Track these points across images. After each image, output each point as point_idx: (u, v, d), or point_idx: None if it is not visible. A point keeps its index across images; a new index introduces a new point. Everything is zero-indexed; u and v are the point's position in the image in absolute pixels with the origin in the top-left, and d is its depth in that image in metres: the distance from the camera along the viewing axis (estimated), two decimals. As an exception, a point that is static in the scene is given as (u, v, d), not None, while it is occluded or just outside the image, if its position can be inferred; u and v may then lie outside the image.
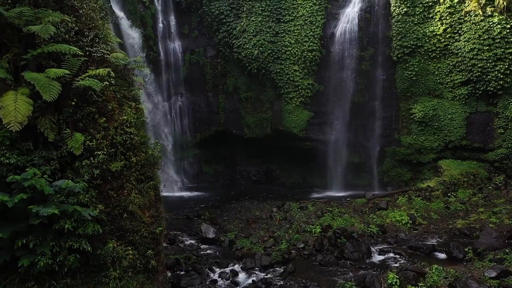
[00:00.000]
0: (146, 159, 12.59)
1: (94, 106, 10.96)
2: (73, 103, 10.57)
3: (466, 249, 15.63)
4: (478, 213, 20.18)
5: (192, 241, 17.52)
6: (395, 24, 27.91)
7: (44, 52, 10.05)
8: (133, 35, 29.74)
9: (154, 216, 12.22)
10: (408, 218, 19.13)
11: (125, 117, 11.42)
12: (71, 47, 10.28)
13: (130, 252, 10.72)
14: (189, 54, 33.51)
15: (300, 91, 30.02)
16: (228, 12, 31.27)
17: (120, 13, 29.42)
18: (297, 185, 32.08)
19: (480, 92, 26.18)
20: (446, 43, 27.01)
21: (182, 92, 33.47)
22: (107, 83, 10.77)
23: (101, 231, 10.10)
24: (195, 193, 29.17)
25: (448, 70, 27.28)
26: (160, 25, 32.85)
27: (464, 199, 22.10)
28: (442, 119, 27.58)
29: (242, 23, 30.60)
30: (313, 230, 17.70)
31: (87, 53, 11.18)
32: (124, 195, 11.37)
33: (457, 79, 26.93)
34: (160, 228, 11.98)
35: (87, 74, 10.52)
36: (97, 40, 11.59)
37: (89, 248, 9.42)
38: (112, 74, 10.96)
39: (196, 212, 21.93)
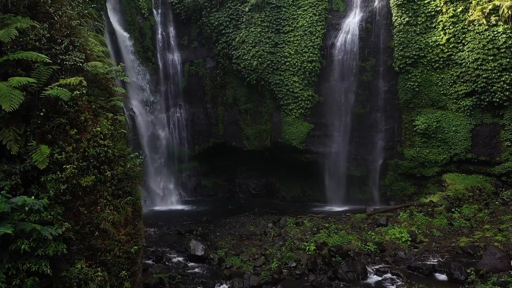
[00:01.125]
0: (125, 172, 11.94)
1: (65, 117, 10.38)
2: (42, 113, 10.00)
3: (468, 270, 14.63)
4: (483, 230, 19.14)
5: (180, 259, 16.73)
6: (397, 34, 27.24)
7: (10, 60, 9.52)
8: (130, 46, 29.44)
9: (131, 233, 11.51)
10: (409, 235, 18.17)
11: (99, 129, 10.80)
12: (39, 54, 9.75)
13: (100, 273, 9.99)
14: (188, 66, 33.14)
15: (300, 102, 29.35)
16: (228, 23, 30.92)
17: (117, 25, 29.18)
18: (297, 198, 31.21)
19: (486, 103, 25.25)
20: (450, 53, 26.24)
21: (180, 103, 33.01)
22: (78, 92, 10.17)
23: (66, 251, 9.41)
24: (192, 207, 28.43)
25: (452, 81, 26.45)
26: (159, 36, 32.58)
27: (469, 215, 21.07)
28: (446, 131, 26.65)
29: (241, 34, 30.19)
30: (307, 247, 16.83)
31: (59, 61, 10.63)
32: (97, 212, 10.70)
33: (461, 90, 26.06)
34: (136, 247, 11.25)
35: (57, 83, 9.96)
36: (71, 48, 11.04)
37: (48, 271, 8.72)
38: (84, 83, 10.37)
39: (188, 227, 21.17)
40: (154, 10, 32.55)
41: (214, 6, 31.40)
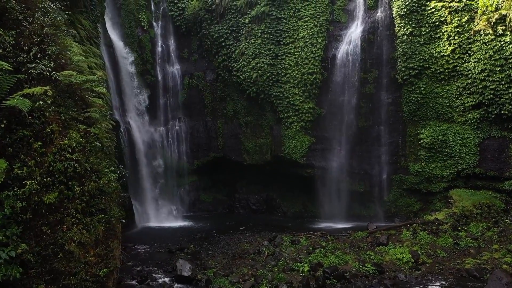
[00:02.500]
0: (99, 188, 11.20)
1: (30, 129, 9.72)
2: (3, 125, 9.34)
3: (473, 296, 13.49)
4: (491, 251, 17.89)
5: (166, 279, 15.82)
6: (400, 45, 26.42)
7: (-34, 68, 8.93)
8: (128, 59, 29.09)
9: (101, 255, 10.69)
10: (410, 255, 17.01)
11: (67, 142, 10.10)
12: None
13: (60, 299, 9.17)
14: (188, 78, 32.69)
15: (301, 115, 28.56)
16: (228, 35, 30.46)
17: (115, 37, 28.91)
18: (298, 214, 30.16)
19: (493, 116, 24.13)
20: (455, 64, 25.29)
21: (180, 116, 32.45)
22: (42, 103, 9.50)
23: (22, 275, 8.62)
24: (190, 223, 27.54)
25: (457, 93, 25.44)
26: (159, 48, 32.25)
27: (476, 234, 19.82)
28: (453, 145, 25.54)
29: (241, 46, 29.68)
30: (301, 268, 15.80)
31: (24, 69, 10.01)
32: (62, 231, 9.93)
33: (467, 102, 25.02)
34: (106, 270, 10.41)
35: (19, 93, 9.32)
36: (39, 56, 10.42)
37: (-5, 298, 7.95)
38: (50, 93, 9.71)
39: (180, 245, 20.27)
40: (154, 23, 32.30)
41: (214, 18, 31.02)
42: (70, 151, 10.13)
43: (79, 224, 10.35)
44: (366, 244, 19.00)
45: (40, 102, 9.47)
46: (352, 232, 21.45)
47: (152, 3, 32.39)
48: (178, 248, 19.78)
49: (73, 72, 11.24)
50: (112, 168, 11.77)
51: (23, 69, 10.01)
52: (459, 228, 20.47)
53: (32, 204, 9.37)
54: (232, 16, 30.28)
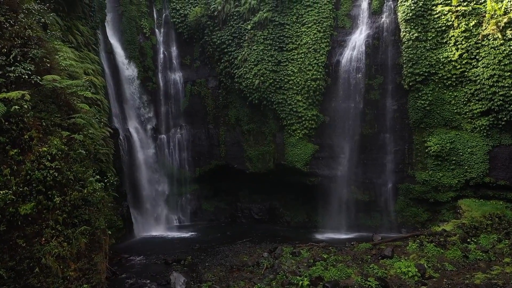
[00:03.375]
0: (83, 198, 10.63)
1: (6, 135, 9.19)
2: (-23, 131, 8.84)
3: (484, 315, 12.61)
4: (502, 265, 16.94)
5: (159, 293, 15.17)
6: (406, 50, 25.74)
7: None
8: (129, 66, 28.76)
9: (84, 269, 10.09)
10: (416, 269, 16.13)
11: (46, 149, 9.55)
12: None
13: (34, 318, 8.56)
14: (190, 85, 32.26)
15: (304, 122, 27.89)
16: (230, 41, 30.02)
17: (116, 43, 28.62)
18: (302, 224, 29.36)
19: (503, 122, 23.26)
20: (463, 69, 24.52)
21: (181, 124, 31.97)
22: (18, 107, 8.98)
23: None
24: (190, 233, 26.87)
25: (466, 99, 24.63)
26: (161, 55, 31.92)
27: (487, 247, 18.88)
28: (461, 153, 24.66)
29: (243, 52, 29.19)
30: (300, 282, 15.02)
31: (1, 72, 9.52)
32: (40, 244, 9.35)
33: (476, 109, 24.20)
34: (86, 286, 9.79)
35: (-6, 97, 8.82)
36: (19, 59, 9.94)
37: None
38: (28, 97, 9.21)
39: (177, 256, 19.60)
40: (156, 30, 32.00)
41: (216, 24, 30.63)
42: (50, 158, 9.58)
43: (60, 236, 9.78)
44: (370, 257, 18.16)
45: (16, 107, 8.95)
46: (356, 244, 20.61)
47: (154, 10, 32.15)
48: (175, 259, 19.12)
49: (57, 76, 10.73)
50: (98, 177, 11.18)
51: (1, 73, 9.53)
52: (468, 240, 19.54)
53: (7, 215, 8.81)
54: (235, 22, 29.84)
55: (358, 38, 27.53)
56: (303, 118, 27.92)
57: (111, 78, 26.68)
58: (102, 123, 19.61)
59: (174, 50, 32.46)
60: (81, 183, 10.82)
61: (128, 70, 28.64)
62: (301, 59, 28.03)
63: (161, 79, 31.64)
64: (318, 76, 27.61)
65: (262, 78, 28.35)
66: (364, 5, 28.06)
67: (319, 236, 25.72)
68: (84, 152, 10.98)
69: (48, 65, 11.20)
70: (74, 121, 11.05)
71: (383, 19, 27.12)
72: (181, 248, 21.95)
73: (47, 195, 9.60)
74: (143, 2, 31.07)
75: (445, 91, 25.24)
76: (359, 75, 27.10)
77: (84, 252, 10.29)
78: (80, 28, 21.60)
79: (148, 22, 31.10)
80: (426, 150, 25.55)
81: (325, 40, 27.95)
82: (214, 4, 30.34)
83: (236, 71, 29.51)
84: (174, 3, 31.87)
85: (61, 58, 12.55)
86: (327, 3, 28.22)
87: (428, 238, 19.70)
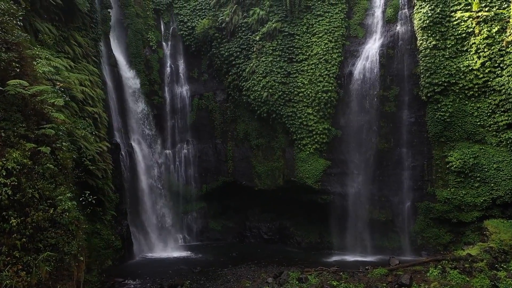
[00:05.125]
0: (50, 219, 9.35)
1: (-46, 147, 8.03)
2: None
3: None
4: (538, 296, 14.91)
5: (148, 324, 13.68)
6: (423, 59, 24.16)
7: None
8: (134, 79, 27.90)
9: (44, 302, 8.72)
10: (438, 301, 14.29)
11: (0, 163, 8.33)
12: None
13: None
14: (198, 99, 31.20)
15: (315, 136, 26.39)
16: (238, 53, 28.97)
17: (121, 56, 27.87)
18: (314, 245, 27.55)
19: (533, 136, 21.30)
20: (486, 78, 22.76)
21: (188, 139, 30.83)
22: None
23: None
24: (194, 254, 25.38)
25: (490, 111, 22.78)
26: (168, 69, 31.07)
27: (519, 274, 16.78)
28: (486, 169, 22.67)
29: (251, 64, 28.07)
30: (305, 315, 13.37)
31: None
32: (-8, 273, 8.04)
33: (501, 121, 22.31)
34: (45, 322, 8.41)
35: None
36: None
37: None
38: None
39: (174, 281, 18.10)
40: (163, 43, 31.25)
41: (224, 36, 29.67)
42: (5, 174, 8.35)
43: (17, 264, 8.47)
44: (385, 285, 16.28)
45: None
46: (371, 268, 18.76)
47: (162, 23, 31.46)
48: (171, 284, 17.63)
49: (23, 81, 9.60)
50: (69, 194, 9.89)
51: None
52: (497, 266, 17.46)
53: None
54: (243, 33, 28.82)
55: (372, 48, 26.12)
56: (314, 132, 26.43)
57: (114, 91, 25.81)
58: (95, 137, 18.56)
59: (181, 63, 31.59)
60: (49, 202, 9.57)
61: (133, 83, 27.79)
62: (311, 70, 26.71)
63: (167, 93, 30.70)
64: (330, 88, 26.20)
65: (270, 90, 27.10)
66: (378, 13, 26.72)
67: (332, 259, 23.96)
68: (53, 167, 9.74)
69: (18, 70, 10.11)
70: (44, 132, 9.85)
71: (398, 27, 25.68)
72: (181, 271, 20.48)
73: (2, 216, 8.35)
74: (150, 15, 30.43)
75: (466, 102, 23.46)
76: (373, 86, 25.58)
77: (46, 282, 8.94)
78: (78, 39, 20.81)
79: (155, 35, 30.36)
80: (447, 166, 23.65)
81: (337, 50, 26.61)
82: (222, 16, 29.44)
83: (244, 83, 28.36)
84: (182, 16, 31.14)
85: (39, 65, 11.49)
86: (339, 12, 26.98)
87: (451, 264, 17.70)
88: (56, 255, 9.18)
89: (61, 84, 11.64)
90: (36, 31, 16.75)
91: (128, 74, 27.69)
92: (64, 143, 10.45)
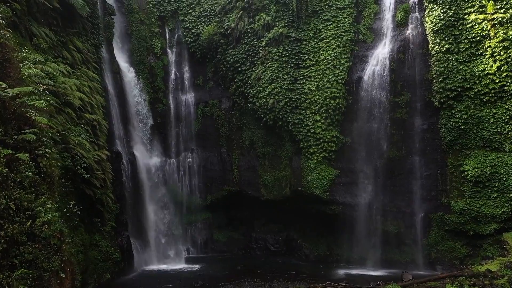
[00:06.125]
0: (28, 232, 8.55)
1: None
2: None
3: None
4: None
5: None
6: (435, 64, 23.19)
7: None
8: (137, 86, 27.32)
9: (17, 325, 7.87)
10: (456, 322, 13.15)
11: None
12: None
13: None
14: (203, 107, 30.48)
15: (323, 144, 25.44)
16: (244, 59, 28.30)
17: (124, 63, 27.33)
18: (322, 258, 26.42)
19: (554, 143, 20.09)
20: (502, 83, 21.72)
21: (193, 147, 30.05)
22: None
23: None
24: (197, 266, 24.48)
25: (507, 117, 21.69)
26: (173, 76, 30.48)
27: (543, 292, 15.55)
28: (505, 179, 21.47)
29: (257, 71, 27.34)
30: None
31: None
32: (-44, 293, 7.23)
33: (520, 128, 21.15)
34: None
35: None
36: None
37: None
38: None
39: (173, 297, 17.23)
40: (168, 50, 30.70)
41: (230, 43, 29.03)
42: (-26, 183, 7.58)
43: (-12, 282, 7.64)
44: (398, 303, 15.18)
45: None
46: (382, 284, 17.64)
47: (167, 30, 30.93)
48: (169, 300, 16.72)
49: (3, 83, 8.89)
50: (50, 205, 9.09)
51: None
52: (519, 283, 16.21)
53: None
54: (249, 40, 28.15)
55: (382, 52, 25.23)
56: (321, 140, 25.48)
57: (116, 98, 25.22)
58: (93, 144, 17.89)
59: (186, 71, 30.97)
60: (27, 213, 8.78)
61: (136, 90, 27.19)
62: (319, 76, 25.87)
63: (171, 101, 30.05)
64: (338, 94, 25.30)
65: (277, 97, 26.29)
66: (388, 17, 25.88)
67: (341, 272, 22.87)
68: (34, 175, 8.97)
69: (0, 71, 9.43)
70: (24, 137, 9.10)
71: (409, 31, 24.79)
72: (181, 286, 19.53)
73: (-30, 229, 7.58)
74: (155, 22, 29.95)
75: (482, 108, 22.36)
76: (383, 92, 24.63)
77: (20, 302, 8.11)
78: (77, 44, 20.27)
79: (160, 42, 29.84)
80: (463, 175, 22.49)
81: (345, 56, 25.76)
82: (227, 22, 28.85)
83: (249, 90, 27.61)
84: (187, 23, 30.61)
85: (25, 67, 10.82)
86: (347, 16, 26.20)
87: (469, 280, 16.49)
88: (32, 272, 8.35)
89: (44, 86, 10.94)
90: (31, 35, 16.21)
91: (132, 81, 27.11)
92: (48, 150, 9.70)
